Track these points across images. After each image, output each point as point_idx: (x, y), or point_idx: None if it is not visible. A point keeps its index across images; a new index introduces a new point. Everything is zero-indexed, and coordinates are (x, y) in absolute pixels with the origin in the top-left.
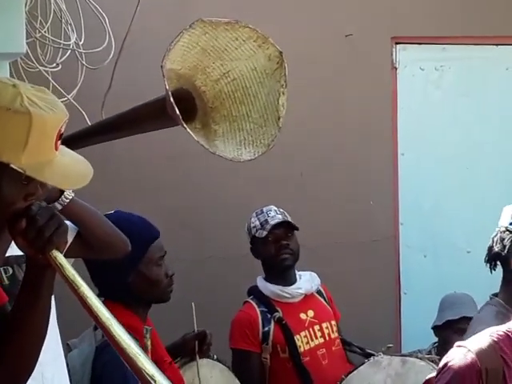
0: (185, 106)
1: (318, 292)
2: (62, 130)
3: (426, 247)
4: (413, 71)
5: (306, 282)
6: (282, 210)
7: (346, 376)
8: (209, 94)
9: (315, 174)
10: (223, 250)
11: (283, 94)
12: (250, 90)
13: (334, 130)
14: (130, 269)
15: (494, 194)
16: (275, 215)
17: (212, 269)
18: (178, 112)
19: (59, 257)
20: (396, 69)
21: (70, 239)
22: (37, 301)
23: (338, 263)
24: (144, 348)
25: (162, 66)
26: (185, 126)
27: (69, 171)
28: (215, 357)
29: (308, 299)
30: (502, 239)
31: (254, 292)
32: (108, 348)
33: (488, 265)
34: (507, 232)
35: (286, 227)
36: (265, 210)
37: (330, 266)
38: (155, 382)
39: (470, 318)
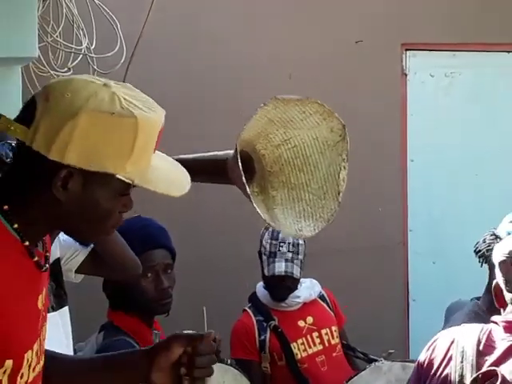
0: (243, 167)
1: (321, 297)
2: (162, 129)
3: (434, 254)
4: (423, 78)
5: (306, 289)
6: (293, 246)
7: (347, 382)
8: (268, 158)
9: None
10: (229, 258)
11: (344, 168)
12: (310, 158)
13: None
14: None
15: (503, 200)
16: (281, 260)
17: (218, 275)
18: (244, 180)
19: None
20: (406, 75)
21: (82, 257)
22: None
23: (346, 269)
24: None
25: (236, 144)
26: (249, 193)
27: (171, 176)
28: (228, 361)
29: (308, 306)
30: (485, 241)
31: (253, 300)
32: (108, 350)
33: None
34: (493, 236)
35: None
36: (280, 238)
37: (339, 272)
38: None
39: None
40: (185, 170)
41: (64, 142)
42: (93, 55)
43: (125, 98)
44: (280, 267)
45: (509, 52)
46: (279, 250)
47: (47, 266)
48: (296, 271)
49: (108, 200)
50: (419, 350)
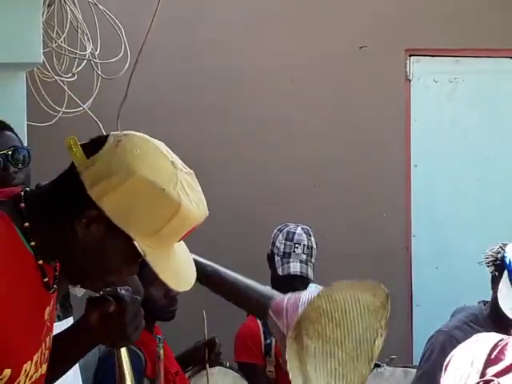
0: None
1: None
2: (196, 227)
3: (438, 259)
4: (426, 83)
5: (311, 293)
6: (308, 248)
7: None
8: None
9: (328, 185)
10: (236, 260)
11: (381, 335)
12: (349, 316)
13: (347, 142)
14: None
15: (507, 205)
16: (296, 260)
17: None
18: (287, 345)
19: (123, 352)
20: (410, 81)
21: None
22: (72, 356)
23: (349, 275)
24: (157, 357)
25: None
26: (286, 348)
27: (180, 271)
28: (227, 364)
29: None
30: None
31: None
32: (109, 359)
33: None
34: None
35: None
36: (295, 240)
37: (342, 278)
38: None
39: None
40: (194, 268)
41: (108, 188)
42: (97, 61)
43: (181, 183)
44: (295, 267)
45: (511, 58)
46: (294, 251)
47: (55, 287)
48: (310, 273)
49: (117, 258)
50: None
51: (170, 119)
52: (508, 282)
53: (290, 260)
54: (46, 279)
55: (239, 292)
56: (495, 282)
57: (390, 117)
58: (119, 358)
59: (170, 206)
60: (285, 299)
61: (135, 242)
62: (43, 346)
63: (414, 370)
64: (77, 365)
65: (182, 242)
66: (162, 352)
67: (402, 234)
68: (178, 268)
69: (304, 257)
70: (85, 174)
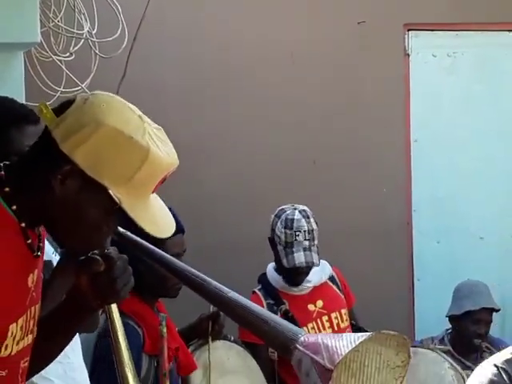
0: None
1: (331, 278)
2: (167, 176)
3: (439, 234)
4: (425, 58)
5: (317, 273)
6: (309, 233)
7: None
8: None
9: (328, 161)
10: (236, 238)
11: None
12: (366, 369)
13: (346, 118)
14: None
15: (508, 180)
16: (300, 250)
17: (224, 256)
18: None
19: (114, 308)
20: (408, 55)
21: None
22: (67, 329)
23: (351, 250)
24: (160, 335)
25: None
26: None
27: (158, 218)
28: (232, 338)
29: (318, 289)
30: None
31: (263, 281)
32: (108, 335)
33: None
34: None
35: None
36: (294, 227)
37: (343, 253)
38: None
39: (488, 309)
40: (173, 220)
41: (79, 141)
42: (95, 39)
43: (149, 134)
44: (300, 258)
45: (510, 31)
46: (296, 240)
47: (39, 253)
48: (315, 259)
49: (94, 211)
50: (425, 329)
51: (169, 97)
52: None
53: (294, 250)
54: (29, 241)
55: (264, 322)
56: None
57: (389, 91)
58: (110, 315)
59: (139, 152)
60: (317, 337)
61: (110, 192)
62: (28, 314)
63: (423, 350)
64: (78, 341)
65: (158, 197)
66: (164, 330)
67: (403, 208)
68: (155, 217)
69: (307, 243)
70: (56, 131)
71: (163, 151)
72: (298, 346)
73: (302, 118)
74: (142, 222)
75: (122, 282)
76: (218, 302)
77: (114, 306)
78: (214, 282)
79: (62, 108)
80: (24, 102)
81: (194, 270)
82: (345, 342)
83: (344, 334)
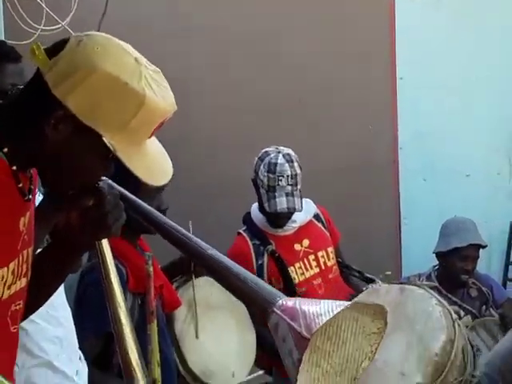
0: None
1: (316, 216)
2: (165, 121)
3: (425, 171)
4: None
5: (301, 212)
6: (292, 178)
7: None
8: None
9: (314, 99)
10: (223, 176)
11: (369, 359)
12: (342, 333)
13: (332, 55)
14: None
15: (494, 118)
16: (282, 195)
17: (209, 195)
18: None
19: (105, 248)
20: None
21: None
22: (60, 270)
23: (338, 188)
24: (147, 275)
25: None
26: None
27: (154, 165)
28: None
29: (303, 228)
30: None
31: (247, 222)
32: (91, 272)
33: None
34: None
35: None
36: (277, 171)
37: (330, 192)
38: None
39: (475, 246)
40: (170, 162)
41: (73, 85)
42: None
43: (146, 78)
44: (282, 203)
45: None
46: (278, 185)
47: (30, 197)
48: (297, 204)
49: (88, 157)
50: (412, 266)
51: (153, 35)
52: None
53: (276, 195)
54: (20, 185)
55: (243, 283)
56: None
57: (375, 28)
58: (102, 256)
59: (135, 99)
60: (295, 302)
61: (104, 139)
62: (20, 258)
63: (410, 287)
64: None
65: (155, 139)
66: (151, 270)
67: (389, 146)
68: (151, 163)
69: (289, 188)
70: (48, 74)
71: (160, 96)
72: (275, 309)
73: (287, 57)
74: (136, 170)
75: (112, 217)
76: (198, 259)
77: (105, 247)
78: (195, 239)
79: (55, 49)
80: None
81: (175, 225)
82: (323, 310)
83: (322, 301)
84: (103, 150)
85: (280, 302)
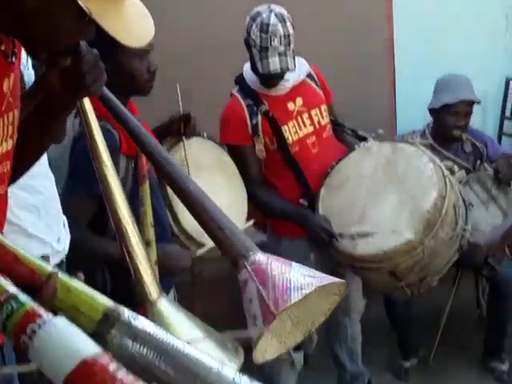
0: None
1: (309, 75)
2: None
3: (420, 27)
4: None
5: (294, 72)
6: (284, 38)
7: (337, 163)
8: None
9: None
10: (213, 39)
11: (325, 316)
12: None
13: None
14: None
15: None
16: (275, 55)
17: (201, 59)
18: None
19: (88, 109)
20: None
21: None
22: (42, 133)
23: (331, 46)
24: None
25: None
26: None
27: (132, 25)
28: (205, 135)
29: (296, 87)
30: None
31: (240, 83)
32: (83, 138)
33: None
34: None
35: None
36: (270, 31)
37: (324, 50)
38: None
39: (467, 102)
40: (152, 22)
41: None
42: None
43: None
44: (275, 64)
45: None
46: (271, 45)
47: (14, 59)
48: (290, 64)
49: (62, 19)
50: (406, 123)
51: None
52: None
53: (268, 55)
54: (2, 47)
55: (219, 230)
56: None
57: None
58: (85, 117)
59: None
60: (268, 261)
61: (78, 1)
62: (5, 119)
63: (402, 145)
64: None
65: (139, 3)
66: None
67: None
68: (128, 24)
69: (282, 48)
70: None
71: None
72: (246, 264)
73: None
74: (113, 31)
75: (90, 76)
76: (179, 193)
77: (88, 108)
78: (180, 172)
79: None
80: None
81: (160, 147)
82: (293, 285)
83: (292, 267)
84: (78, 12)
85: (252, 257)
